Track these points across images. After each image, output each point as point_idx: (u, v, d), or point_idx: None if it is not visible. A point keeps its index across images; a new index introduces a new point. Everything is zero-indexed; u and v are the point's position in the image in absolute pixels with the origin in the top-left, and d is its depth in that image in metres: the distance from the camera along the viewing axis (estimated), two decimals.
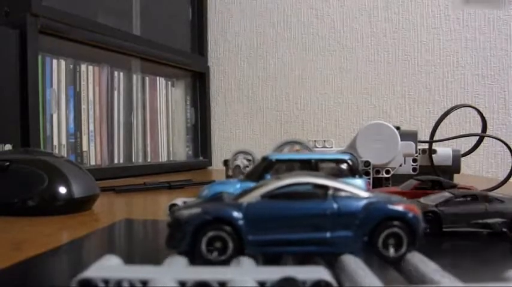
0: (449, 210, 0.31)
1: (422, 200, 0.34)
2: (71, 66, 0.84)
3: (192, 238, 0.22)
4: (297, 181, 0.23)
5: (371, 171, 0.54)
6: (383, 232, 0.22)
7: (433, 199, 0.33)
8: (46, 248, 0.29)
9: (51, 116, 0.79)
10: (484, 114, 0.61)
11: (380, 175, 0.57)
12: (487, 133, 0.61)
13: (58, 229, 0.36)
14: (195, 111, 1.26)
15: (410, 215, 0.22)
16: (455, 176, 0.63)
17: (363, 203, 0.22)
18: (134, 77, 1.01)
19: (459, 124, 1.19)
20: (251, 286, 0.17)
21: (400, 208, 0.22)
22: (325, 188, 0.23)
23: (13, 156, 0.45)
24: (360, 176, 0.33)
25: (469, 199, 0.32)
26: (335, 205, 0.22)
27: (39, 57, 0.75)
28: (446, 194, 0.33)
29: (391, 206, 0.22)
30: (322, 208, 0.22)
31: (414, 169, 0.58)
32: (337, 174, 0.31)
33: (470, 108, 0.61)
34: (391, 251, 0.22)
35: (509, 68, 1.18)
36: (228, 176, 0.54)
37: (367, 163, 0.53)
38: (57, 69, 0.80)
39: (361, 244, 0.22)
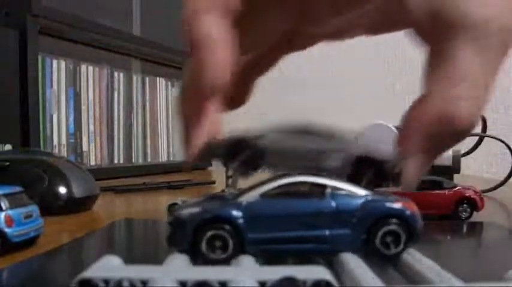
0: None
1: None
2: (71, 66, 0.84)
3: (193, 237, 0.22)
4: (296, 180, 0.23)
5: None
6: (381, 229, 0.22)
7: None
8: (46, 248, 0.29)
9: (51, 116, 0.79)
10: (484, 114, 0.61)
11: None
12: (487, 133, 0.61)
13: (58, 229, 0.36)
14: None
15: (407, 212, 0.22)
16: (455, 176, 0.62)
17: (360, 201, 0.23)
18: (134, 77, 1.01)
19: None
20: (251, 286, 0.17)
21: (397, 205, 0.22)
22: (323, 186, 0.23)
23: (13, 156, 0.45)
24: None
25: None
26: (333, 203, 0.22)
27: (39, 58, 0.75)
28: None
29: (388, 204, 0.22)
30: (321, 206, 0.22)
31: None
32: None
33: None
34: (389, 248, 0.22)
35: (510, 68, 1.18)
36: (228, 177, 0.54)
37: None
38: (57, 69, 0.80)
39: (360, 242, 0.22)
